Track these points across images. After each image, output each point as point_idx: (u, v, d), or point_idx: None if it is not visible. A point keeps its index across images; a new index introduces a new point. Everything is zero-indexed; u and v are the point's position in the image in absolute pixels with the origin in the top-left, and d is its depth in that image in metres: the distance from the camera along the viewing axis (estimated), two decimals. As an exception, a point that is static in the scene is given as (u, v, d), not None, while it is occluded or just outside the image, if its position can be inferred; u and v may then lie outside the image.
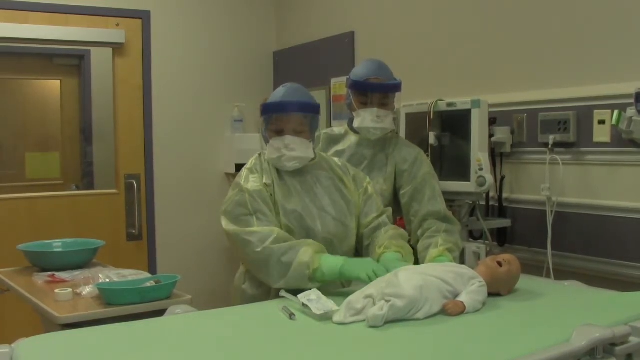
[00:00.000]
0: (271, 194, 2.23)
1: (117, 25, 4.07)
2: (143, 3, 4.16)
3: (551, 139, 2.63)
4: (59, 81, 4.30)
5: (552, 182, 2.64)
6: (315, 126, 2.30)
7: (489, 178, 2.58)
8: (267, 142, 2.29)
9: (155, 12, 4.19)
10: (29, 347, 1.62)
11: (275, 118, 2.24)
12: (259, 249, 2.09)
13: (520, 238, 2.86)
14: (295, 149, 2.21)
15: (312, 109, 2.27)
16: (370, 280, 1.95)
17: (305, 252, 2.06)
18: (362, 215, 2.35)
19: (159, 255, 4.22)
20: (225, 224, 2.20)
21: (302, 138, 2.23)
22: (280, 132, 2.23)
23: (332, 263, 2.05)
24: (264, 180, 2.25)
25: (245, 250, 2.13)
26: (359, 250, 2.38)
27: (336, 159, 2.45)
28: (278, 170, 2.29)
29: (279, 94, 2.27)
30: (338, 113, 3.93)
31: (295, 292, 2.00)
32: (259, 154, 2.35)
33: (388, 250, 2.20)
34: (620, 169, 2.48)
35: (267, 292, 2.23)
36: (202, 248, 4.30)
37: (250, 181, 2.23)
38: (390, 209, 2.43)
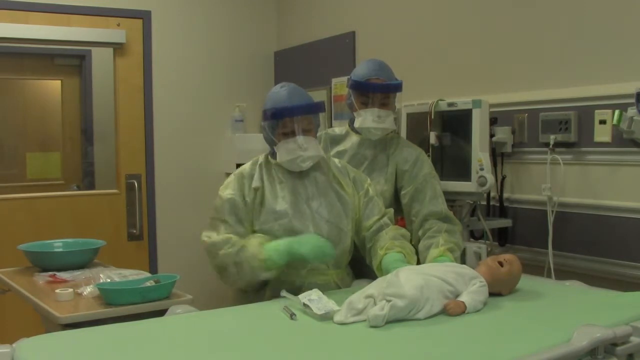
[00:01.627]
0: (254, 200, 2.27)
1: (118, 25, 4.07)
2: (144, 3, 4.16)
3: (552, 138, 2.63)
4: (59, 81, 4.30)
5: (553, 182, 2.63)
6: (318, 124, 2.34)
7: (490, 178, 2.58)
8: (273, 144, 2.29)
9: (155, 12, 4.19)
10: (29, 347, 1.62)
11: (286, 120, 2.23)
12: (217, 258, 2.21)
13: (521, 238, 2.86)
14: (308, 149, 2.24)
15: (323, 108, 2.33)
16: (315, 257, 2.08)
17: (252, 245, 2.14)
18: (363, 218, 2.35)
19: (159, 255, 4.22)
20: (204, 231, 2.32)
21: (311, 137, 2.26)
22: (290, 134, 2.24)
23: (276, 246, 2.14)
24: (253, 185, 2.28)
25: (209, 261, 2.26)
26: (362, 253, 2.38)
27: (336, 160, 2.45)
28: (272, 173, 2.30)
29: (283, 95, 2.26)
30: (339, 113, 3.93)
31: (295, 292, 2.00)
32: (257, 159, 2.37)
33: (390, 251, 2.20)
34: (621, 168, 2.48)
35: (262, 296, 2.24)
36: (203, 248, 4.28)
37: (228, 188, 2.31)
38: (391, 210, 2.42)
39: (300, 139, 2.22)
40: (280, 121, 2.24)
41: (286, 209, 2.24)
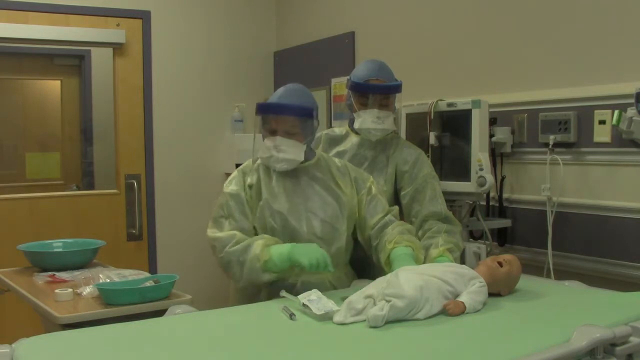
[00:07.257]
0: (251, 196, 2.28)
1: (118, 25, 4.07)
2: (143, 3, 4.16)
3: (551, 139, 2.63)
4: (59, 81, 4.30)
5: (553, 182, 2.64)
6: (310, 129, 2.28)
7: (490, 178, 2.58)
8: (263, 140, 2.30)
9: (155, 12, 4.19)
10: (29, 347, 1.62)
11: (270, 118, 2.24)
12: (221, 254, 2.21)
13: (520, 238, 2.86)
14: (284, 151, 2.21)
15: (303, 113, 2.23)
16: (312, 268, 2.04)
17: (257, 247, 2.13)
18: (367, 217, 2.34)
19: (159, 256, 4.22)
20: (208, 227, 2.30)
21: (295, 140, 2.23)
22: (273, 133, 2.24)
23: (280, 250, 2.12)
24: (248, 182, 2.29)
25: (214, 255, 2.26)
26: (368, 252, 2.37)
27: (337, 160, 2.44)
28: (270, 170, 2.30)
29: (277, 94, 2.28)
30: (338, 113, 3.93)
31: (289, 290, 2.01)
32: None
33: (398, 245, 2.21)
34: (620, 169, 2.48)
35: (266, 296, 2.23)
36: (202, 248, 4.25)
37: (232, 184, 2.31)
38: (396, 207, 2.41)
39: (278, 139, 2.21)
40: (267, 118, 2.25)
41: (282, 207, 2.25)
